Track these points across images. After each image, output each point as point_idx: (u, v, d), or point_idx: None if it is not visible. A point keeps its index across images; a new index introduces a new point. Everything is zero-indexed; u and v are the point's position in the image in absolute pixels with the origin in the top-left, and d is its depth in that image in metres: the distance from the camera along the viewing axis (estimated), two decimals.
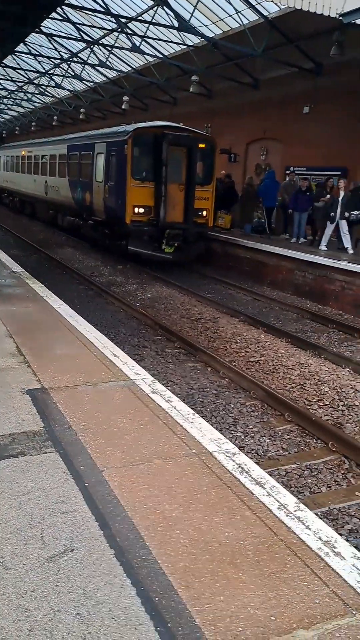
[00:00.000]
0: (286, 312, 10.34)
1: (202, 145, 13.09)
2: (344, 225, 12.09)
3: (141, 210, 12.59)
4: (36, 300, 6.73)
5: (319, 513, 4.14)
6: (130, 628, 1.96)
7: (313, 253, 11.75)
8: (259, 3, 14.67)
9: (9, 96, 36.86)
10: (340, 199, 11.83)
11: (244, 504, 2.68)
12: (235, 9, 15.49)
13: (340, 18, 10.46)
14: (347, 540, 2.70)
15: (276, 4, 12.89)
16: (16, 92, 34.92)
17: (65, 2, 17.91)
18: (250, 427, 5.49)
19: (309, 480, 4.68)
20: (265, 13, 15.12)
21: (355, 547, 2.45)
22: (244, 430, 5.42)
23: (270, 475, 4.61)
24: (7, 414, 3.57)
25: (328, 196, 12.55)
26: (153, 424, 3.50)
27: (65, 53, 24.20)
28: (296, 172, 15.78)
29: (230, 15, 16.29)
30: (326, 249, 12.18)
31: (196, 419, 3.58)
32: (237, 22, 16.04)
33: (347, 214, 11.79)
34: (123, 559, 2.29)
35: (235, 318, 9.31)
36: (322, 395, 6.23)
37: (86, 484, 2.81)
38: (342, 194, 11.85)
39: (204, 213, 13.39)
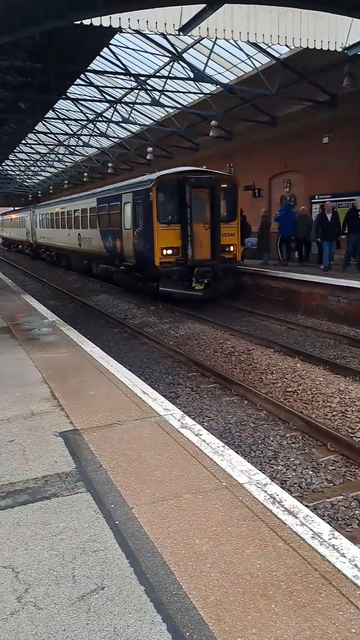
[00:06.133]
0: (322, 339, 10.15)
1: (223, 185, 13.48)
2: None
3: (169, 251, 12.94)
4: (69, 346, 6.93)
5: None
6: None
7: (345, 277, 11.62)
8: (269, 46, 15.23)
9: (41, 159, 39.19)
10: None
11: (276, 535, 2.60)
12: (247, 55, 16.12)
13: (345, 52, 10.78)
14: None
15: (286, 45, 13.39)
16: (48, 155, 37.13)
17: (87, 68, 19.24)
18: (292, 459, 5.33)
19: (357, 512, 4.47)
20: (276, 55, 15.67)
21: None
22: (285, 463, 5.27)
23: (315, 508, 4.47)
24: (41, 457, 3.65)
25: None
26: (182, 458, 3.48)
27: (90, 114, 25.72)
28: (320, 199, 15.97)
29: (242, 61, 16.95)
30: None
31: (226, 451, 3.54)
32: (250, 66, 16.66)
33: None
34: (153, 595, 2.26)
35: (270, 349, 9.22)
36: None
37: (116, 522, 2.81)
38: None
39: (231, 248, 13.63)
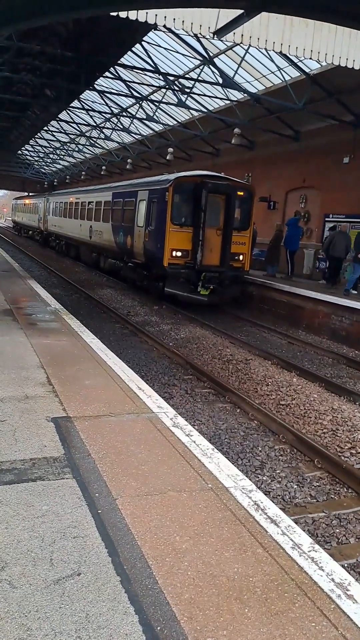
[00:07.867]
0: (321, 356, 10.16)
1: (240, 193, 13.50)
2: None
3: (179, 253, 12.96)
4: (70, 334, 6.95)
5: (346, 565, 3.93)
6: None
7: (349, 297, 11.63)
8: (300, 60, 15.28)
9: (61, 147, 39.30)
10: None
11: (256, 541, 2.61)
12: (278, 66, 16.16)
13: None
14: None
15: (317, 60, 13.43)
16: (68, 144, 37.23)
17: (118, 62, 19.32)
18: (278, 471, 5.34)
19: (337, 530, 4.48)
20: (306, 70, 15.72)
21: None
22: (271, 474, 5.28)
23: (296, 523, 4.47)
24: (31, 440, 3.66)
25: None
26: (171, 456, 3.49)
27: (115, 108, 25.80)
28: (334, 218, 15.96)
29: (272, 72, 16.99)
30: None
31: (215, 454, 3.55)
32: (279, 78, 16.70)
33: None
34: (128, 586, 2.27)
35: (268, 361, 9.23)
36: (355, 443, 6.02)
37: (99, 511, 2.82)
38: None
39: (241, 257, 13.64)
